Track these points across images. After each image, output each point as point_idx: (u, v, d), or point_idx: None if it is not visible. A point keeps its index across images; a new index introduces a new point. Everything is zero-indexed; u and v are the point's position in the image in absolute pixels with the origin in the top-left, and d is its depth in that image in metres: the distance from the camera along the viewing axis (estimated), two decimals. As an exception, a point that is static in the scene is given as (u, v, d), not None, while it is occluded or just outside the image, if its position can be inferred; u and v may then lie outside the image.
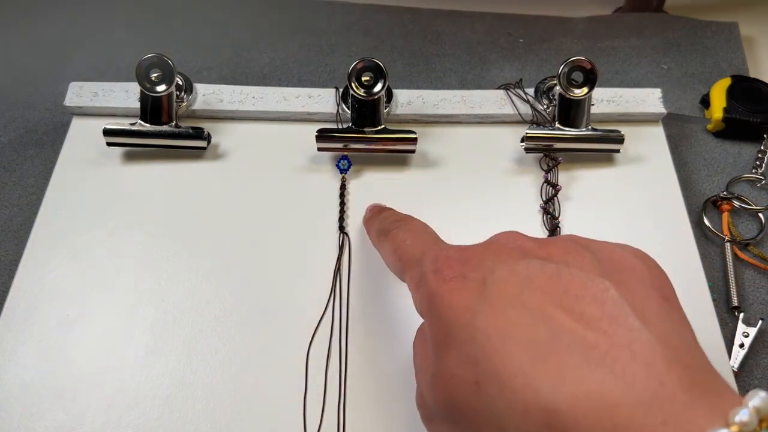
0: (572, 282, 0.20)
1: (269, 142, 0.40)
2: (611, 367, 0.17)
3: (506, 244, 0.23)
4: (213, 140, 0.39)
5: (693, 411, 0.16)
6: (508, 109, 0.41)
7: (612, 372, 0.17)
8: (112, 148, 0.39)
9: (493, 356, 0.19)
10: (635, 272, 0.21)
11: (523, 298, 0.20)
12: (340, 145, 0.38)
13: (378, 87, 0.37)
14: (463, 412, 0.20)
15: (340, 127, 0.39)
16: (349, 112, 0.39)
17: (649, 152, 0.40)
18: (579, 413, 0.17)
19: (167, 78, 0.37)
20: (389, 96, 0.40)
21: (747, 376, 0.34)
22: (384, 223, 0.31)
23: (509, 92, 0.41)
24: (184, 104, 0.40)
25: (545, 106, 0.40)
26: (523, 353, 0.18)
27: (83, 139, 0.40)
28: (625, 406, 0.16)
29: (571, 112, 0.38)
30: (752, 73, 0.48)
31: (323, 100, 0.41)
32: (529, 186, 0.39)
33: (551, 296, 0.19)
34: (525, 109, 0.41)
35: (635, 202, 0.38)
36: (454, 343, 0.21)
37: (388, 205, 0.35)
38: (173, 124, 0.38)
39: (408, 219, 0.30)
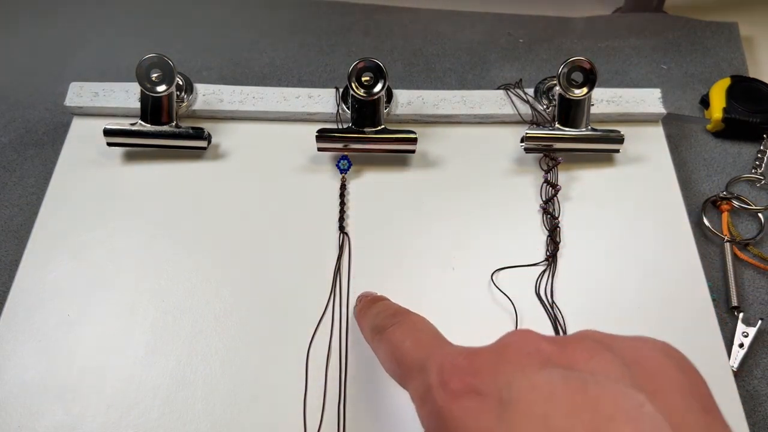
0: (602, 398, 0.17)
1: (269, 142, 0.40)
2: None
3: (521, 349, 0.20)
4: (213, 140, 0.39)
5: None
6: (508, 109, 0.41)
7: None
8: (113, 148, 0.39)
9: None
10: (670, 379, 0.18)
11: (549, 422, 0.17)
12: (340, 145, 0.38)
13: (378, 87, 0.37)
14: None
15: (340, 127, 0.39)
16: (349, 112, 0.39)
17: (648, 152, 0.40)
18: None
19: (167, 78, 0.37)
20: (389, 96, 0.40)
21: (746, 376, 0.34)
22: (378, 318, 0.28)
23: (509, 92, 0.41)
24: (184, 104, 0.40)
25: (545, 107, 0.40)
26: None
27: (83, 139, 0.40)
28: None
29: (570, 112, 0.38)
30: (752, 73, 0.48)
31: (323, 100, 0.41)
32: (528, 186, 0.39)
33: (580, 419, 0.17)
34: (525, 109, 0.41)
35: (635, 202, 0.38)
36: None
37: (380, 293, 0.33)
38: (173, 124, 0.38)
39: (405, 314, 0.27)
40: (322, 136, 0.38)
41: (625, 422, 0.16)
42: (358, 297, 0.33)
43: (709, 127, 0.44)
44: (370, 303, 0.31)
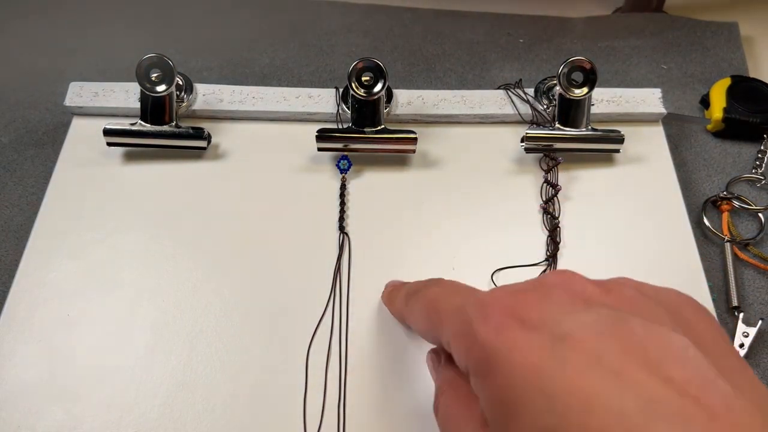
0: (650, 339, 0.17)
1: (269, 142, 0.40)
2: None
3: (567, 288, 0.20)
4: (213, 140, 0.39)
5: None
6: (508, 109, 0.41)
7: None
8: (113, 148, 0.39)
9: (578, 430, 0.16)
10: (705, 325, 0.19)
11: (602, 358, 0.17)
12: (340, 145, 0.38)
13: (378, 87, 0.37)
14: None
15: (340, 127, 0.39)
16: (349, 112, 0.39)
17: (649, 152, 0.40)
18: None
19: (167, 78, 0.37)
20: (389, 96, 0.40)
21: (747, 376, 0.34)
22: (413, 286, 0.28)
23: (509, 92, 0.41)
24: (184, 104, 0.40)
25: (545, 106, 0.40)
26: (613, 426, 0.16)
27: (83, 139, 0.40)
28: None
29: (571, 112, 0.38)
30: (752, 73, 0.48)
31: (323, 100, 0.41)
32: (529, 186, 0.39)
33: (633, 356, 0.17)
34: (525, 109, 0.41)
35: (635, 202, 0.38)
36: (523, 411, 0.17)
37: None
38: (173, 124, 0.38)
39: (439, 279, 0.27)
40: (322, 136, 0.38)
41: (674, 362, 0.16)
42: (387, 284, 0.34)
43: (709, 127, 0.44)
44: (399, 285, 0.31)
